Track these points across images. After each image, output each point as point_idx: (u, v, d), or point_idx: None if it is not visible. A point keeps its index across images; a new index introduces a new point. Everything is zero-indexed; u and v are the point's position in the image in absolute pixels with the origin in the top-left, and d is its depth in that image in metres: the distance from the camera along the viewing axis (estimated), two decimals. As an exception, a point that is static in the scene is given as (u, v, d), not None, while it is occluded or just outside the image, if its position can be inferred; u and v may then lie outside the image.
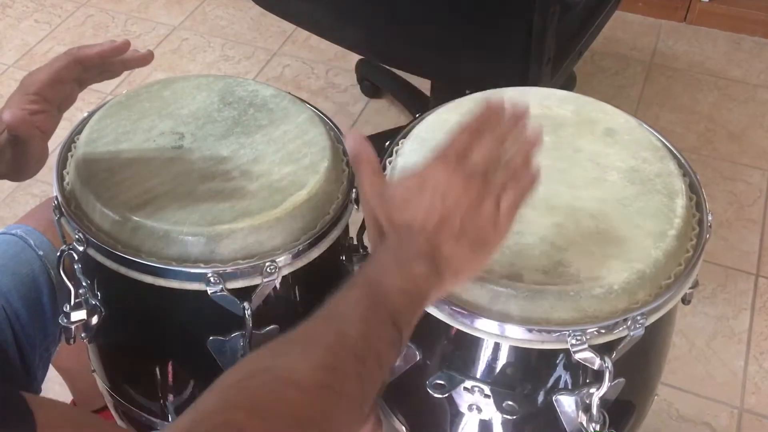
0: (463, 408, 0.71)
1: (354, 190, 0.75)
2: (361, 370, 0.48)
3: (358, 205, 0.76)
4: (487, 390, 0.69)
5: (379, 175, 0.57)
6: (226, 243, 0.68)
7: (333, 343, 0.48)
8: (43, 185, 1.57)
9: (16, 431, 0.43)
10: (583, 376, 0.67)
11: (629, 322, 0.62)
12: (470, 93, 0.81)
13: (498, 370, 0.68)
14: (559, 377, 0.68)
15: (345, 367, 0.47)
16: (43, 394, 0.88)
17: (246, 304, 0.69)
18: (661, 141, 0.75)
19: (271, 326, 0.74)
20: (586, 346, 0.61)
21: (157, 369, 0.81)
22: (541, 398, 0.69)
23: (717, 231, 1.48)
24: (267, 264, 0.68)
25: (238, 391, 0.45)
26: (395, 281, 0.52)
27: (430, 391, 0.70)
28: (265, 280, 0.68)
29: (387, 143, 0.77)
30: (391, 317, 0.51)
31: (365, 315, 0.50)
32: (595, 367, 0.63)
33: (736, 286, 1.42)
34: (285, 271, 0.70)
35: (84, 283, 0.75)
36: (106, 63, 0.73)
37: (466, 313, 0.63)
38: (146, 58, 0.73)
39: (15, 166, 0.70)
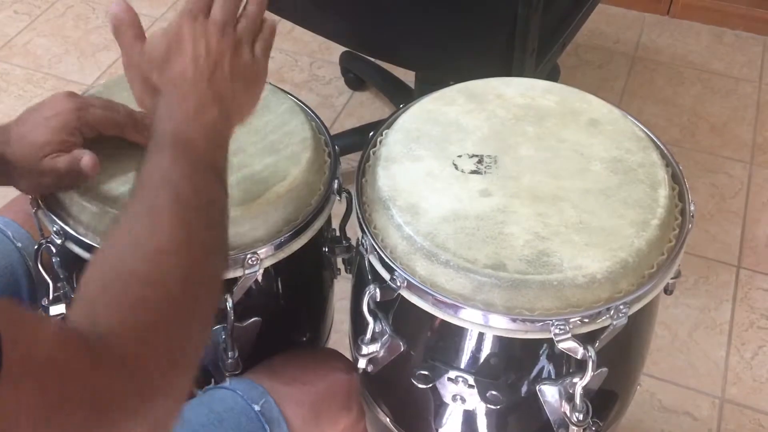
0: (447, 398, 0.71)
1: (336, 181, 0.75)
2: (207, 220, 0.54)
3: (340, 196, 0.76)
4: (470, 380, 0.69)
5: (141, 38, 0.61)
6: (207, 234, 0.67)
7: (174, 206, 0.52)
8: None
9: None
10: (566, 366, 0.67)
11: (612, 312, 0.62)
12: (454, 84, 0.81)
13: (482, 360, 0.68)
14: (543, 367, 0.68)
15: (195, 221, 0.53)
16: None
17: (228, 297, 0.69)
18: (644, 131, 0.76)
19: (253, 318, 0.74)
20: (569, 335, 0.61)
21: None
22: (524, 388, 0.69)
23: (699, 223, 1.49)
24: (248, 256, 0.67)
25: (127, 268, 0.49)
26: (197, 133, 0.56)
27: (414, 382, 0.70)
28: (246, 271, 0.68)
29: (371, 133, 0.77)
30: (207, 165, 0.56)
31: (187, 172, 0.54)
32: (578, 357, 0.63)
33: (717, 278, 1.43)
34: (267, 263, 0.69)
35: (62, 277, 0.74)
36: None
37: (449, 303, 0.63)
38: None
39: (43, 188, 0.69)
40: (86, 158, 0.65)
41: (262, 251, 0.68)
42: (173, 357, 0.48)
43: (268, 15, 0.67)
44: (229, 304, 0.69)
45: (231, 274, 0.68)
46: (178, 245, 0.51)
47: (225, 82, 0.59)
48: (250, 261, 0.67)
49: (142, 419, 0.44)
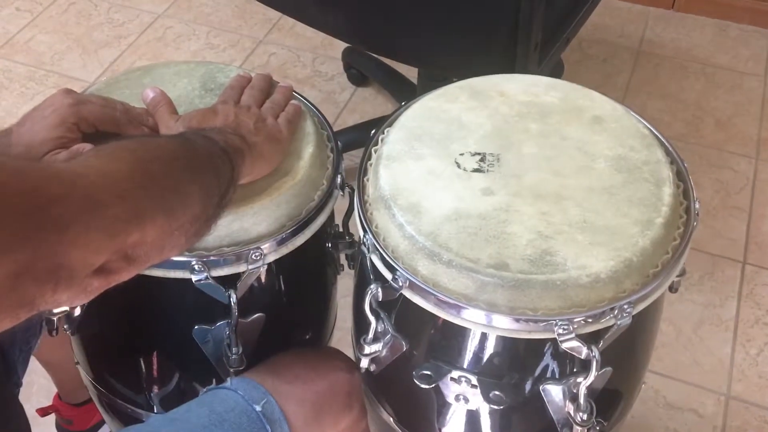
0: (450, 398, 0.71)
1: (339, 176, 0.75)
2: (209, 156, 0.60)
3: (343, 192, 0.76)
4: (474, 380, 0.68)
5: (174, 113, 0.71)
6: (209, 230, 0.67)
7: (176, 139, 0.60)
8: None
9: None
10: (570, 366, 0.67)
11: (616, 311, 0.62)
12: (457, 81, 0.80)
13: (485, 360, 0.68)
14: (546, 366, 0.67)
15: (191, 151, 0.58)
16: (26, 387, 0.87)
17: (231, 292, 0.68)
18: (649, 129, 0.75)
19: (257, 314, 0.74)
20: (573, 335, 0.61)
21: (142, 359, 0.80)
22: (528, 388, 0.68)
23: (704, 219, 1.49)
24: (252, 251, 0.67)
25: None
26: (216, 135, 0.63)
27: (417, 382, 0.69)
28: (250, 267, 0.68)
29: (372, 131, 0.76)
30: (221, 147, 0.61)
31: (200, 138, 0.61)
32: (582, 357, 0.62)
33: (723, 274, 1.42)
34: (270, 258, 0.69)
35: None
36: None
37: (452, 303, 0.62)
38: None
39: None
40: (87, 149, 0.65)
41: (266, 246, 0.68)
42: (149, 187, 0.51)
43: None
44: (233, 299, 0.69)
45: (234, 270, 0.68)
46: (174, 149, 0.57)
47: (249, 133, 0.67)
48: (253, 256, 0.68)
49: (95, 223, 0.46)
